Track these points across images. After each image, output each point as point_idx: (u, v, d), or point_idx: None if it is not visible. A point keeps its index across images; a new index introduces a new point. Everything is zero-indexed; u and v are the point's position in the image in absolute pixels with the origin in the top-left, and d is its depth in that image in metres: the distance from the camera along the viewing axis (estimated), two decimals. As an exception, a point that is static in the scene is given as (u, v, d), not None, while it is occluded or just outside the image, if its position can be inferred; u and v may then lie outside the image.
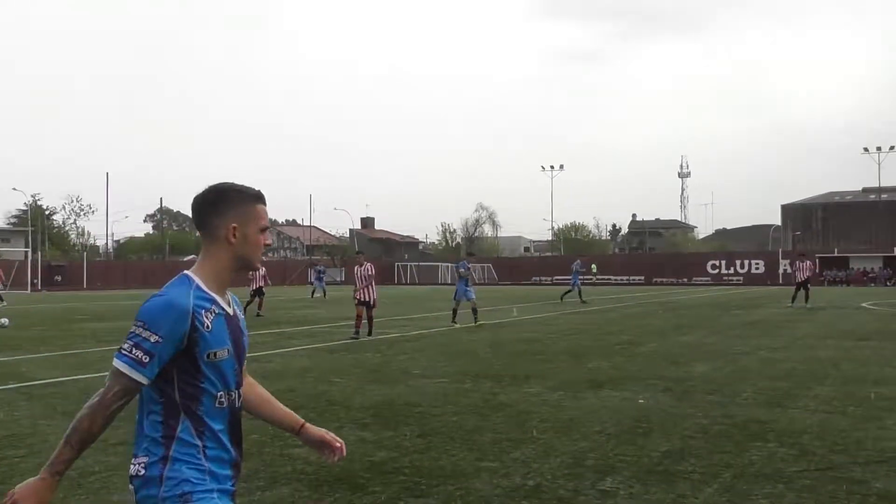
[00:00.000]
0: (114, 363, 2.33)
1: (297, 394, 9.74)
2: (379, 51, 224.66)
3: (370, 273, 18.25)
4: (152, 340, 2.28)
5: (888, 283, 64.07)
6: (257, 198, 2.56)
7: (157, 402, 2.44)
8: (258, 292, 26.41)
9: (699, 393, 9.64)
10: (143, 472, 2.41)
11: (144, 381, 2.33)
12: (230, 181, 2.58)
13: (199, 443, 2.40)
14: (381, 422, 7.97)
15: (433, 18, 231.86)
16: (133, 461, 2.46)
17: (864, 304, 31.15)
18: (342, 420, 8.07)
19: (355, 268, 18.61)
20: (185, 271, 2.47)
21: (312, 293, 43.75)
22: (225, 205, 2.48)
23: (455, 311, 21.40)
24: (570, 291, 35.04)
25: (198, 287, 2.41)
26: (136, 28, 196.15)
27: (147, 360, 2.29)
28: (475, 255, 24.91)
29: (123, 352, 2.30)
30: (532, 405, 8.89)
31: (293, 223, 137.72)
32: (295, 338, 17.83)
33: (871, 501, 5.23)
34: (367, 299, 17.73)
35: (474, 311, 21.10)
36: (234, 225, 2.46)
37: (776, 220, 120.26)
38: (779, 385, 10.22)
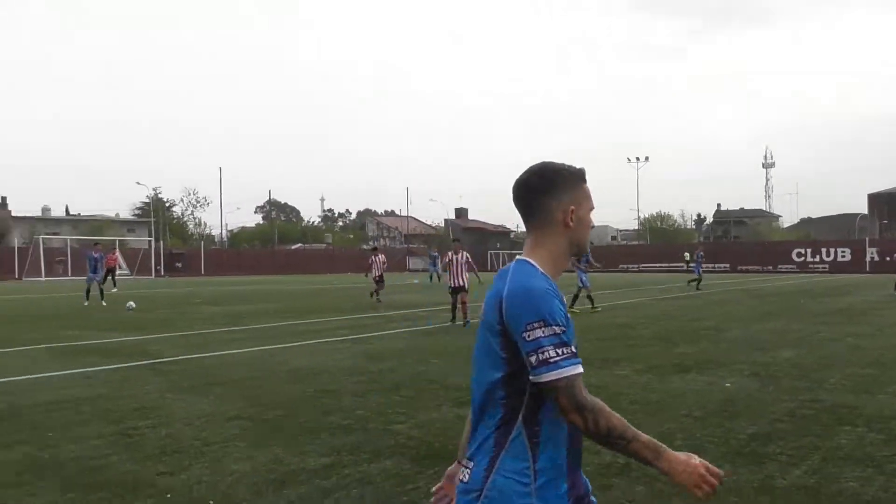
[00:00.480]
0: (553, 377, 2.00)
1: (398, 373, 9.91)
2: (467, 55, 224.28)
3: (465, 261, 17.91)
4: (559, 331, 2.02)
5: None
6: (583, 177, 2.29)
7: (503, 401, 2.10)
8: (381, 279, 26.03)
9: (785, 378, 9.40)
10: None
11: (582, 369, 2.06)
12: (552, 161, 2.29)
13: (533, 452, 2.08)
14: (477, 400, 8.03)
15: (517, 24, 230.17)
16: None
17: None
18: (440, 398, 8.17)
19: (450, 255, 18.25)
20: (524, 258, 2.21)
21: (431, 277, 47.36)
22: (561, 187, 2.21)
23: (591, 298, 21.18)
24: (697, 280, 34.29)
25: (544, 276, 2.14)
26: (248, 36, 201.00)
27: (574, 349, 2.05)
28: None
29: (553, 359, 1.99)
30: (621, 387, 8.82)
31: (391, 214, 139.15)
32: (394, 321, 18.08)
33: (962, 486, 5.05)
34: (461, 284, 17.54)
35: (590, 297, 21.08)
36: (571, 208, 2.21)
37: (862, 209, 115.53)
38: (866, 371, 9.88)
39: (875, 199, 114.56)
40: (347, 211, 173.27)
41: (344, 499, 4.86)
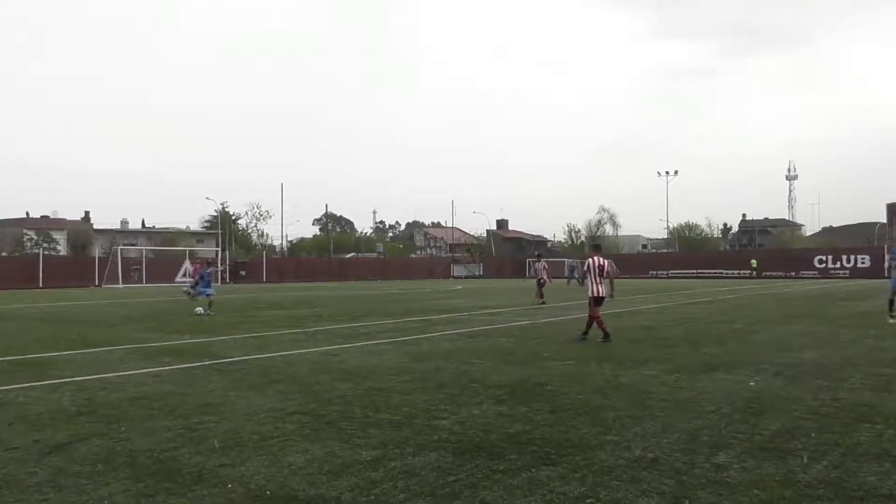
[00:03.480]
0: None
1: (443, 373, 9.89)
2: (503, 70, 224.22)
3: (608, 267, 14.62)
4: None
5: None
6: None
7: None
8: (542, 283, 27.79)
9: (808, 377, 9.18)
10: None
11: None
12: None
13: None
14: (515, 398, 7.99)
15: (552, 39, 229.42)
16: None
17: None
18: (481, 396, 8.14)
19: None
20: None
21: (568, 282, 51.40)
22: None
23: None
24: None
25: None
26: (303, 66, 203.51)
27: None
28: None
29: None
30: (651, 386, 8.70)
31: (438, 225, 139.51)
32: (440, 324, 18.07)
33: (980, 482, 4.87)
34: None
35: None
36: None
37: (882, 218, 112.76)
38: (886, 371, 9.62)
39: (893, 208, 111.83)
40: (397, 223, 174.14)
41: (391, 489, 4.85)
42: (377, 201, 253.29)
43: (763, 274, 68.34)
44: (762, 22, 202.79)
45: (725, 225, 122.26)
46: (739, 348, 12.32)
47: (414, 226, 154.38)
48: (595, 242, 17.64)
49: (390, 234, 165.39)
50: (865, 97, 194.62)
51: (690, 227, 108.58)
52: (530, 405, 7.57)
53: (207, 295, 22.90)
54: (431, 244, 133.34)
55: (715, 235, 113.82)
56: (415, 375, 9.71)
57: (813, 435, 6.15)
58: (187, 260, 61.66)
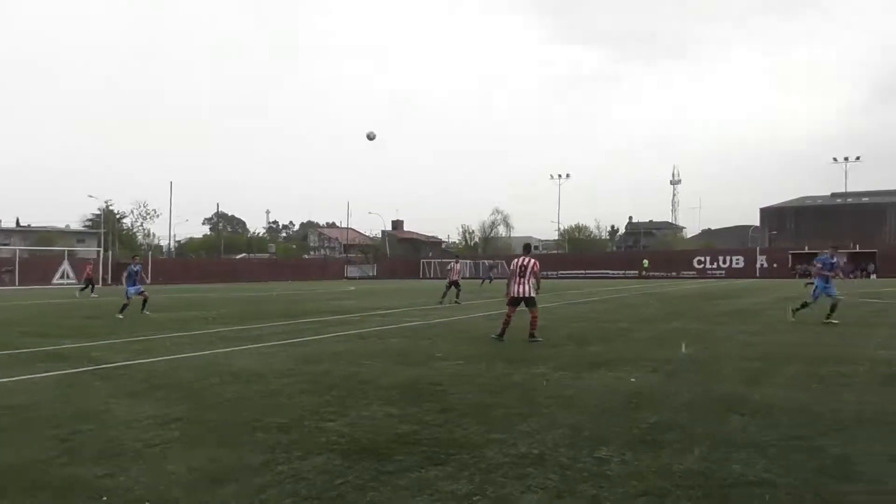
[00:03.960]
0: None
1: (333, 375, 9.81)
2: (407, 72, 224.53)
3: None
4: None
5: (850, 276, 63.35)
6: None
7: None
8: (452, 284, 27.85)
9: (684, 372, 9.62)
10: None
11: None
12: None
13: None
14: (405, 399, 8.00)
15: (455, 40, 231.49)
16: None
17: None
18: (371, 397, 8.12)
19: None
20: None
21: (482, 282, 50.42)
22: None
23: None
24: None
25: None
26: (192, 64, 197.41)
27: None
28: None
29: None
30: (538, 384, 8.90)
31: (332, 226, 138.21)
32: (332, 326, 17.90)
33: (828, 464, 5.23)
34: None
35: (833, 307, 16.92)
36: None
37: (756, 221, 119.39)
38: (754, 365, 10.18)
39: (766, 213, 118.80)
40: (291, 223, 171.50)
41: (277, 495, 4.77)
42: (271, 201, 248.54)
43: (647, 274, 71.13)
44: (650, 30, 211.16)
45: (613, 227, 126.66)
46: (622, 346, 12.77)
47: (308, 226, 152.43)
48: (525, 243, 17.33)
49: (284, 235, 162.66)
50: (743, 106, 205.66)
51: (580, 228, 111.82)
52: (420, 405, 7.61)
53: (140, 293, 21.86)
54: (326, 245, 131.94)
55: (603, 237, 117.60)
56: (304, 378, 9.59)
57: (687, 427, 6.45)
58: (66, 260, 58.72)
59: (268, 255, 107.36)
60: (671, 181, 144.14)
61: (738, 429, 6.37)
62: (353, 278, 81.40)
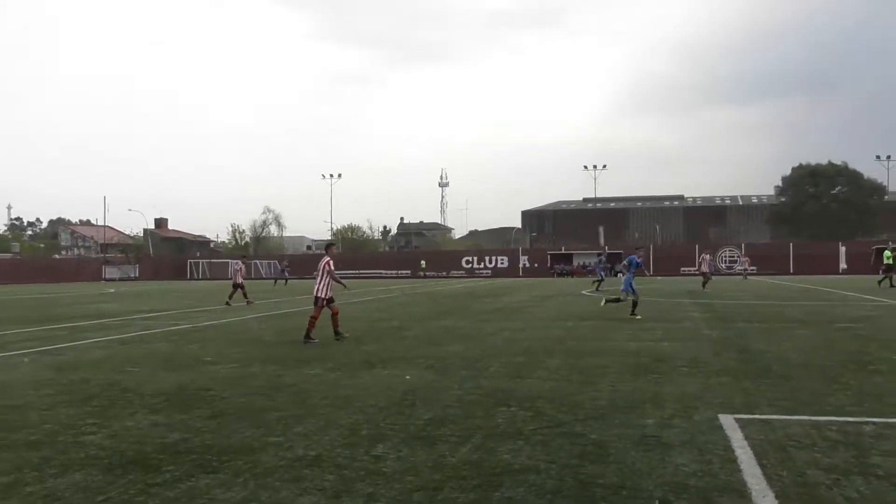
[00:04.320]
0: None
1: (91, 384, 9.07)
2: (168, 66, 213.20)
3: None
4: None
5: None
6: None
7: None
8: (241, 286, 27.45)
9: (455, 369, 9.99)
10: None
11: None
12: None
13: None
14: (173, 406, 7.59)
15: (223, 37, 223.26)
16: None
17: (583, 292, 33.54)
18: (135, 406, 7.61)
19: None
20: None
21: (275, 281, 48.92)
22: None
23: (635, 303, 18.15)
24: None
25: None
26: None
27: None
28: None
29: None
30: (313, 384, 8.83)
31: (87, 223, 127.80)
32: (89, 331, 16.55)
33: (588, 449, 5.68)
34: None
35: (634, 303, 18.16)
36: None
37: (518, 223, 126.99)
38: (518, 360, 10.80)
39: (526, 215, 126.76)
40: (38, 220, 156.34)
41: (26, 517, 4.32)
42: (13, 196, 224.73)
43: (424, 274, 73.11)
44: (420, 37, 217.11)
45: (385, 227, 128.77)
46: (396, 344, 13.01)
47: (58, 223, 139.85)
48: (329, 242, 16.66)
49: (29, 233, 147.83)
50: (506, 113, 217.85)
51: (353, 229, 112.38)
52: (189, 412, 7.25)
53: None
54: (80, 244, 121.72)
55: (376, 237, 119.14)
56: (58, 388, 8.78)
57: (459, 421, 6.71)
58: None
59: (10, 255, 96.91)
60: (440, 183, 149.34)
61: (507, 420, 6.73)
62: (113, 280, 75.88)
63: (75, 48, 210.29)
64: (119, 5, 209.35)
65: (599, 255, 38.14)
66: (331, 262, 14.04)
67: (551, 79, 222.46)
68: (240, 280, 27.80)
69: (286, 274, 53.30)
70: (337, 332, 13.81)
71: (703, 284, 33.32)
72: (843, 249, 68.87)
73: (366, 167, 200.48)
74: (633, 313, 17.81)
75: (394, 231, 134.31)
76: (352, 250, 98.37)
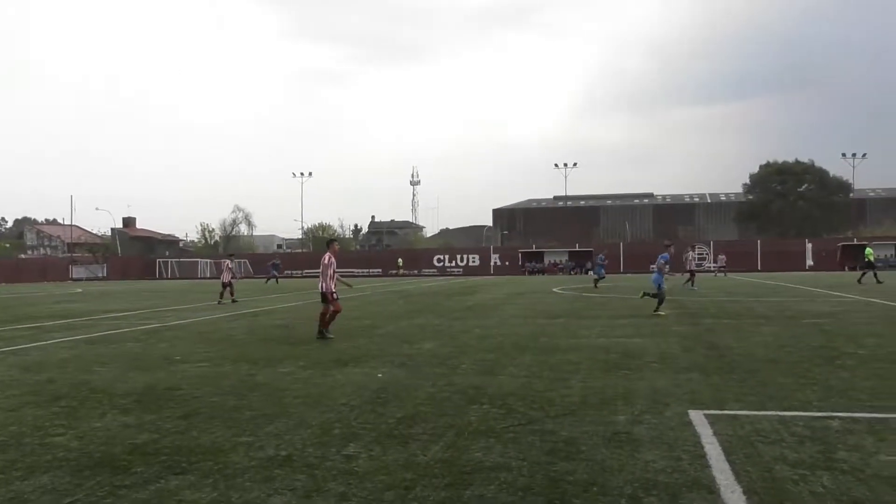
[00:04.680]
0: None
1: (59, 384, 8.94)
2: (141, 67, 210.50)
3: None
4: None
5: (572, 273, 69.90)
6: None
7: None
8: (229, 284, 27.53)
9: (427, 366, 9.98)
10: None
11: None
12: None
13: None
14: (142, 406, 7.50)
15: (194, 35, 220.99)
16: None
17: (554, 290, 33.68)
18: (104, 406, 7.51)
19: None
20: None
21: (266, 280, 46.43)
22: None
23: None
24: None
25: None
26: None
27: None
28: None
29: None
30: (285, 383, 8.77)
31: (54, 222, 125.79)
32: (55, 331, 16.30)
33: (559, 447, 5.70)
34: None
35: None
36: None
37: (489, 221, 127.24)
38: (490, 357, 10.82)
39: (498, 214, 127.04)
40: (3, 219, 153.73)
41: (-9, 521, 4.25)
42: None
43: (390, 273, 72.99)
44: (392, 35, 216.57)
45: (356, 226, 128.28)
46: (368, 342, 12.97)
47: (24, 223, 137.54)
48: (330, 238, 16.61)
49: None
50: (477, 111, 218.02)
51: (323, 227, 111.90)
52: (159, 412, 7.17)
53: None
54: (46, 243, 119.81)
55: (347, 236, 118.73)
56: (24, 389, 8.64)
57: (431, 419, 6.70)
58: None
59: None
60: (411, 181, 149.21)
61: (478, 418, 6.74)
62: (80, 279, 74.80)
63: (43, 46, 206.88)
64: (88, 3, 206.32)
65: (599, 254, 38.19)
66: (329, 258, 13.96)
67: (523, 78, 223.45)
68: (228, 278, 27.69)
69: (273, 273, 52.32)
70: (321, 331, 13.74)
71: (691, 282, 32.46)
72: (809, 246, 70.05)
73: (337, 165, 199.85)
74: (656, 310, 17.72)
75: (365, 230, 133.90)
76: (324, 249, 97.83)
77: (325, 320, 13.78)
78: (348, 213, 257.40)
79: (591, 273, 54.55)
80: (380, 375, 9.26)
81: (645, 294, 19.11)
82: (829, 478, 4.81)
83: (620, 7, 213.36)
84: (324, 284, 13.87)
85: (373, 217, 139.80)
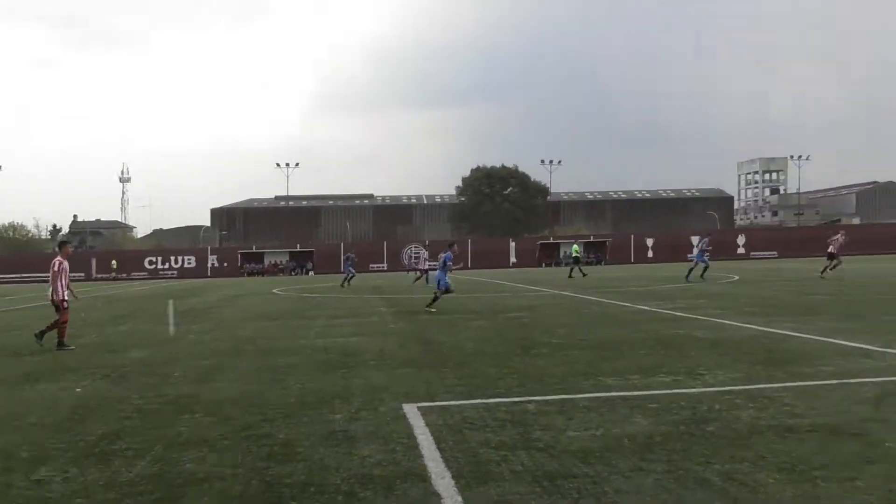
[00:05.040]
0: None
1: None
2: None
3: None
4: None
5: (293, 273, 69.56)
6: None
7: None
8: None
9: (135, 376, 9.34)
10: None
11: None
12: None
13: None
14: None
15: None
16: None
17: (274, 290, 33.29)
18: None
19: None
20: None
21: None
22: None
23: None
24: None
25: None
26: None
27: None
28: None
29: None
30: (-40, 406, 7.69)
31: None
32: None
33: (276, 450, 5.61)
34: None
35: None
36: None
37: (207, 221, 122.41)
38: (205, 363, 10.39)
39: (216, 213, 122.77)
40: None
41: None
42: None
43: (117, 276, 67.50)
44: (103, 19, 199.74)
45: (55, 226, 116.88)
46: (66, 354, 11.79)
47: None
48: (62, 240, 14.56)
49: None
50: (197, 108, 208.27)
51: (15, 227, 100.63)
52: None
53: None
54: None
55: (43, 237, 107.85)
56: None
57: (138, 433, 6.26)
58: None
59: None
60: (120, 178, 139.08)
61: (191, 428, 6.41)
62: None
63: None
64: None
65: (427, 245, 37.37)
66: (60, 263, 12.54)
67: (248, 75, 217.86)
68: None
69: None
70: (61, 342, 12.40)
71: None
72: (513, 245, 76.50)
73: (34, 159, 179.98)
74: (429, 306, 17.81)
75: (66, 230, 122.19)
76: (14, 251, 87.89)
77: (62, 330, 12.43)
78: (46, 211, 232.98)
79: (311, 273, 54.68)
80: (78, 390, 8.47)
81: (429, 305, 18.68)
82: (526, 456, 5.25)
83: (345, 9, 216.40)
84: (55, 293, 12.43)
85: (75, 216, 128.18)
